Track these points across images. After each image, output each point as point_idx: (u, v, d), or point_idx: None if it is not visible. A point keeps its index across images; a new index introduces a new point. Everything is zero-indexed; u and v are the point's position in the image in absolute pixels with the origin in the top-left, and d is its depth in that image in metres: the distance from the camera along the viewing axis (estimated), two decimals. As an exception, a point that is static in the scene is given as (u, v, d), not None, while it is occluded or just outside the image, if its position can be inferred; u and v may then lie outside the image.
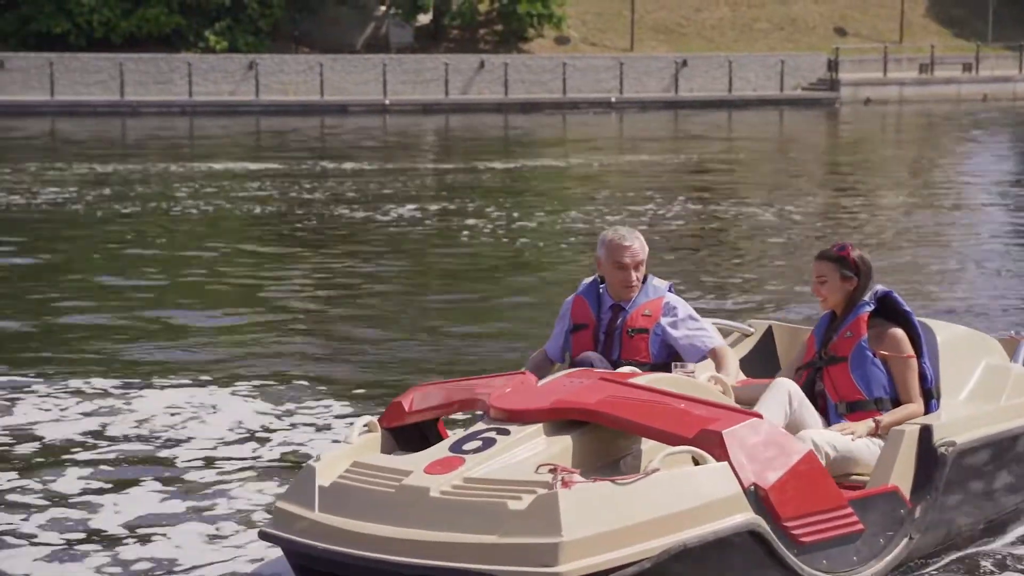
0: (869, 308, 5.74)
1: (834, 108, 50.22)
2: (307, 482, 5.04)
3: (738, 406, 5.32)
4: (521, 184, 24.73)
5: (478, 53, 53.74)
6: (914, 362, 5.73)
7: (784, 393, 5.59)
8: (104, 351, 10.37)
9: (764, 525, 4.84)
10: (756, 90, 53.08)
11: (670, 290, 6.16)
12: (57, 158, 29.41)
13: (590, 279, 6.25)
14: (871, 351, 5.71)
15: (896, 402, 5.74)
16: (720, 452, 4.85)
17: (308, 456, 7.16)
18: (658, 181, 24.45)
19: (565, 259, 15.66)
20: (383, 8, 56.31)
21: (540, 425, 5.05)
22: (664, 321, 6.02)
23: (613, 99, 50.60)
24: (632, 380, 5.33)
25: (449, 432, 5.61)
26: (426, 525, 4.63)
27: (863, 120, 44.61)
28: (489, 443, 4.96)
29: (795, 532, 4.94)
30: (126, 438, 7.88)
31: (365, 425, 5.50)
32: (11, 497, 6.81)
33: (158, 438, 7.87)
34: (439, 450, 5.01)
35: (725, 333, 6.90)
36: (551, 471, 4.66)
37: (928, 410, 5.78)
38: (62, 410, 8.54)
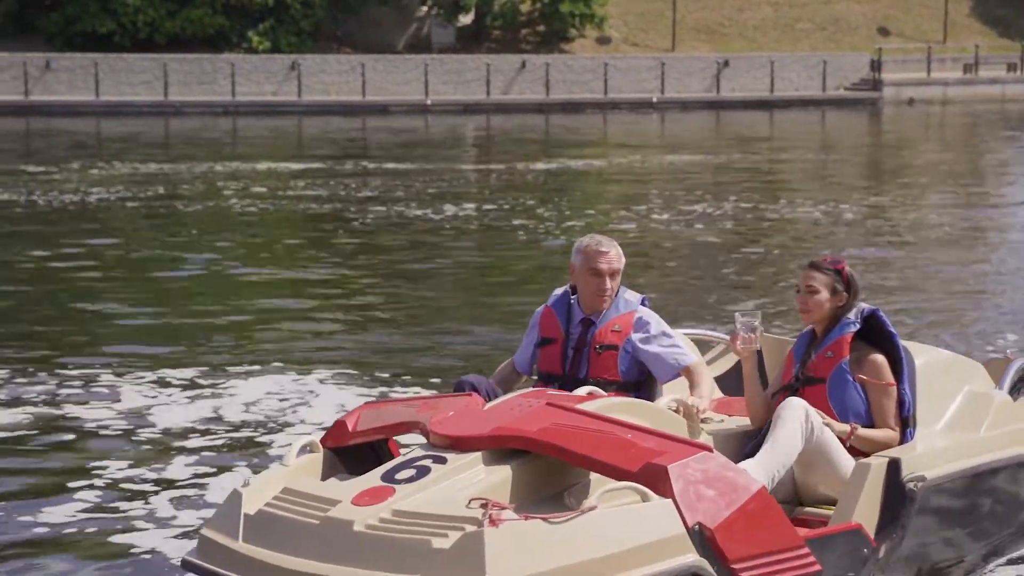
0: (854, 328, 5.39)
1: (877, 108, 49.96)
2: (232, 509, 4.77)
3: (689, 438, 4.96)
4: (564, 184, 24.77)
5: (519, 53, 53.79)
6: (894, 390, 5.39)
7: (801, 411, 5.21)
8: (187, 342, 10.70)
9: (708, 568, 4.48)
10: (798, 90, 52.88)
11: (643, 303, 5.81)
12: (102, 158, 29.69)
13: (561, 290, 5.90)
14: (851, 375, 5.37)
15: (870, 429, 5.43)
16: (664, 488, 4.51)
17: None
18: (700, 181, 24.43)
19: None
20: (425, 8, 56.45)
21: (479, 454, 4.73)
22: (635, 337, 5.68)
23: (654, 99, 50.54)
24: (582, 406, 4.97)
25: (401, 451, 5.30)
26: (348, 561, 4.36)
27: (906, 120, 44.36)
28: (423, 472, 4.66)
29: (743, 575, 4.57)
30: (233, 425, 8.19)
31: (306, 446, 5.18)
32: (128, 486, 7.06)
33: (264, 424, 8.16)
34: (371, 478, 4.70)
35: (710, 344, 6.64)
36: (482, 506, 4.38)
37: (903, 439, 5.42)
38: (168, 396, 8.92)
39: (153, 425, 8.28)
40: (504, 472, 4.69)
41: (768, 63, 52.96)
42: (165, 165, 27.64)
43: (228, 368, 9.74)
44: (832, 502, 5.31)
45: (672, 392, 5.61)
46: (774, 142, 35.71)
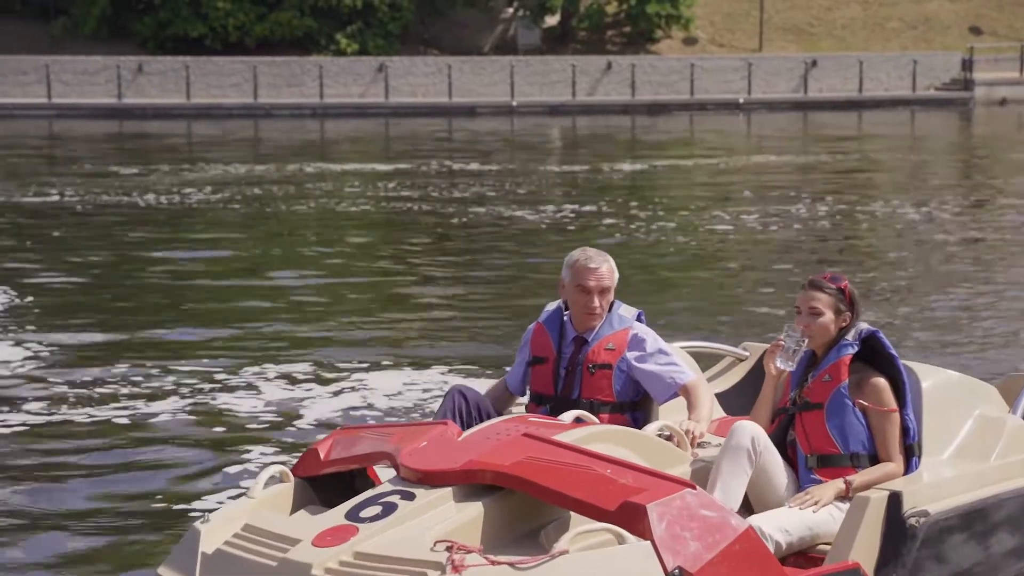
0: (853, 350, 5.04)
1: (968, 109, 49.22)
2: (190, 547, 4.56)
3: (672, 472, 4.63)
4: (650, 185, 24.71)
5: (605, 55, 53.72)
6: (896, 416, 5.01)
7: (747, 438, 4.89)
8: (295, 339, 10.95)
9: None
10: (887, 90, 52.26)
11: (639, 319, 5.52)
12: (192, 159, 30.12)
13: (553, 305, 5.59)
14: (851, 400, 5.02)
15: (874, 459, 5.05)
16: (642, 528, 4.21)
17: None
18: (788, 182, 24.25)
19: (716, 257, 15.64)
20: (511, 10, 56.58)
21: (449, 489, 4.46)
22: (630, 355, 5.37)
23: (741, 100, 50.22)
24: (561, 437, 4.67)
25: (381, 478, 5.01)
26: None
27: (998, 121, 43.66)
28: (389, 509, 4.40)
29: None
30: (384, 412, 8.43)
31: (275, 475, 4.93)
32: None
33: (408, 414, 8.37)
34: (335, 515, 4.46)
35: (717, 357, 6.33)
36: (447, 549, 4.16)
37: (908, 469, 5.05)
38: (307, 391, 9.16)
39: (302, 417, 8.52)
40: (475, 509, 4.42)
41: (857, 63, 52.39)
42: (255, 166, 27.98)
43: (341, 363, 9.95)
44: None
45: (670, 413, 5.30)
46: (863, 142, 35.33)
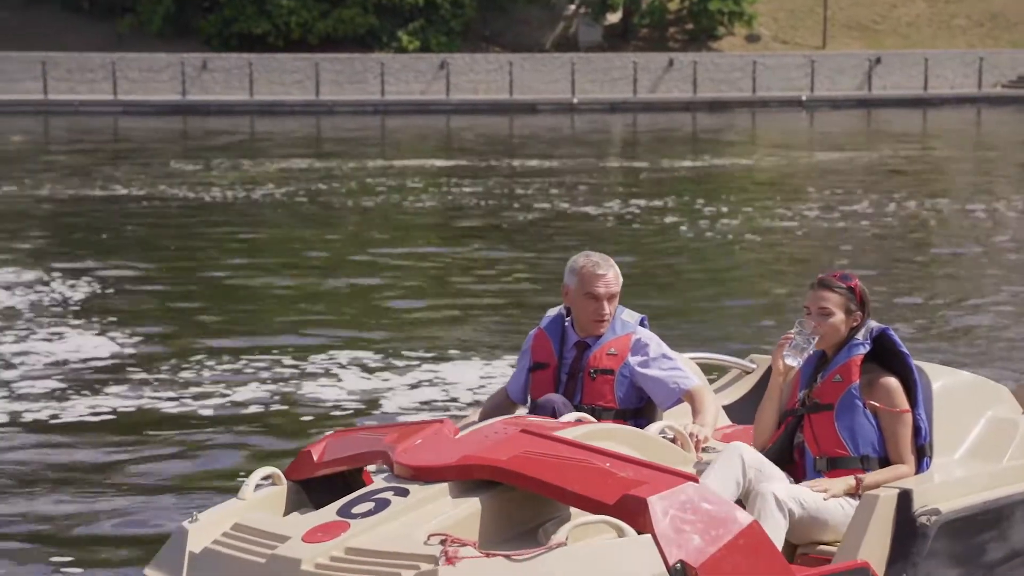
0: (864, 350, 4.92)
1: (1036, 106, 48.61)
2: (177, 547, 4.46)
3: (675, 468, 4.46)
4: (712, 182, 24.61)
5: (667, 52, 53.55)
6: (908, 417, 4.90)
7: (736, 459, 4.75)
8: (364, 331, 11.11)
9: None
10: (953, 88, 51.68)
11: (642, 324, 5.41)
12: (255, 156, 30.35)
13: (555, 311, 5.48)
14: (861, 400, 4.89)
15: (885, 461, 4.93)
16: (643, 522, 4.08)
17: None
18: (852, 179, 24.06)
19: (776, 256, 15.56)
20: (573, 7, 56.54)
21: (444, 485, 4.34)
22: (633, 360, 5.27)
23: (804, 97, 49.86)
24: (560, 433, 4.57)
25: (374, 479, 4.81)
26: None
27: (1067, 119, 43.09)
28: (382, 505, 4.29)
29: None
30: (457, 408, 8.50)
31: (267, 477, 4.79)
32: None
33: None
34: (327, 512, 4.36)
35: (723, 370, 6.21)
36: (441, 542, 4.04)
37: (919, 470, 4.94)
38: (384, 381, 9.32)
39: (381, 407, 8.66)
40: (472, 505, 4.29)
41: (922, 60, 51.87)
42: (316, 162, 28.15)
43: (413, 355, 10.07)
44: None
45: (675, 419, 5.17)
46: (928, 141, 34.98)
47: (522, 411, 5.40)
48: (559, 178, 24.47)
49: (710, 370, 6.05)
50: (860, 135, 37.28)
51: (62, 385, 9.30)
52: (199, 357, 10.10)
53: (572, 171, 25.91)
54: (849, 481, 4.81)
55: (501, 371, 9.55)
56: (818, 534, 4.77)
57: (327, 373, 9.56)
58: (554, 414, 5.02)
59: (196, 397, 8.98)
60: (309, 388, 9.12)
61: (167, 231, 17.81)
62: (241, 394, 9.00)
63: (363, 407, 8.71)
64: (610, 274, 5.28)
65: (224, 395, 9.03)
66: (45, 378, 9.51)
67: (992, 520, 4.97)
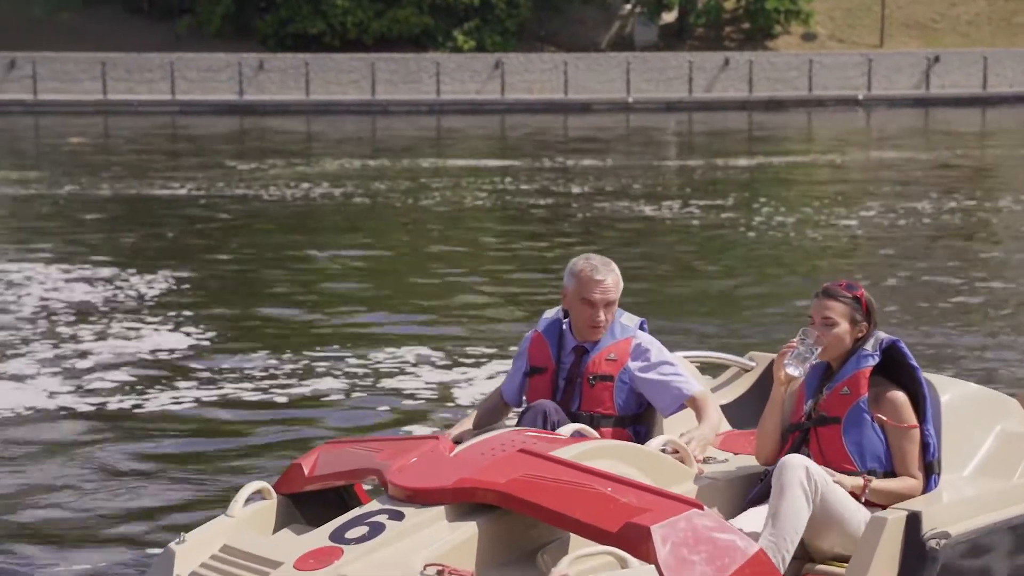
0: (873, 362, 4.73)
1: (1097, 105, 48.00)
2: (163, 570, 4.32)
3: (677, 491, 4.33)
4: (768, 180, 24.50)
5: (723, 51, 53.35)
6: (916, 433, 4.74)
7: (802, 471, 4.54)
8: (438, 327, 11.22)
9: None
10: (1012, 87, 51.13)
11: (642, 328, 5.24)
12: (311, 155, 30.54)
13: (553, 312, 5.31)
14: (869, 414, 4.73)
15: (891, 476, 4.78)
16: (646, 552, 3.94)
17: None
18: (910, 178, 23.88)
19: (832, 254, 15.48)
20: (628, 7, 56.45)
21: (441, 508, 4.21)
22: (633, 366, 5.11)
23: (860, 96, 49.52)
24: (559, 452, 4.40)
25: (370, 498, 4.70)
26: None
27: None
28: (377, 530, 4.14)
29: None
30: None
31: (258, 491, 4.62)
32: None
33: None
34: (319, 536, 4.20)
35: (722, 367, 6.03)
36: (438, 572, 3.95)
37: (927, 487, 4.76)
38: (462, 373, 9.45)
39: (456, 400, 8.76)
40: (469, 529, 4.16)
41: (981, 59, 51.35)
42: (371, 161, 28.28)
43: (481, 349, 10.17)
44: (847, 559, 4.64)
45: (675, 427, 5.04)
46: (987, 140, 34.63)
47: (515, 412, 5.31)
48: (614, 177, 24.45)
49: (708, 368, 5.93)
50: (918, 134, 36.97)
51: (133, 378, 9.43)
52: (267, 352, 10.20)
53: (627, 170, 25.87)
54: (857, 480, 4.67)
55: None
56: (830, 530, 4.62)
57: (399, 368, 9.62)
58: (545, 419, 4.90)
59: (270, 389, 9.08)
60: (384, 383, 9.18)
61: (228, 229, 17.97)
62: (314, 388, 9.09)
63: (436, 398, 8.81)
64: (609, 280, 5.09)
65: (299, 387, 9.12)
66: (117, 370, 9.65)
67: (1003, 541, 4.78)
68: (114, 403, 8.80)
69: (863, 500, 4.66)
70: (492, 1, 53.50)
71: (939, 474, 4.79)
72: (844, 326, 4.76)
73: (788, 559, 4.45)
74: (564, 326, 5.21)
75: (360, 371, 9.58)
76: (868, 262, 14.82)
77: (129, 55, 49.10)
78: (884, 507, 4.63)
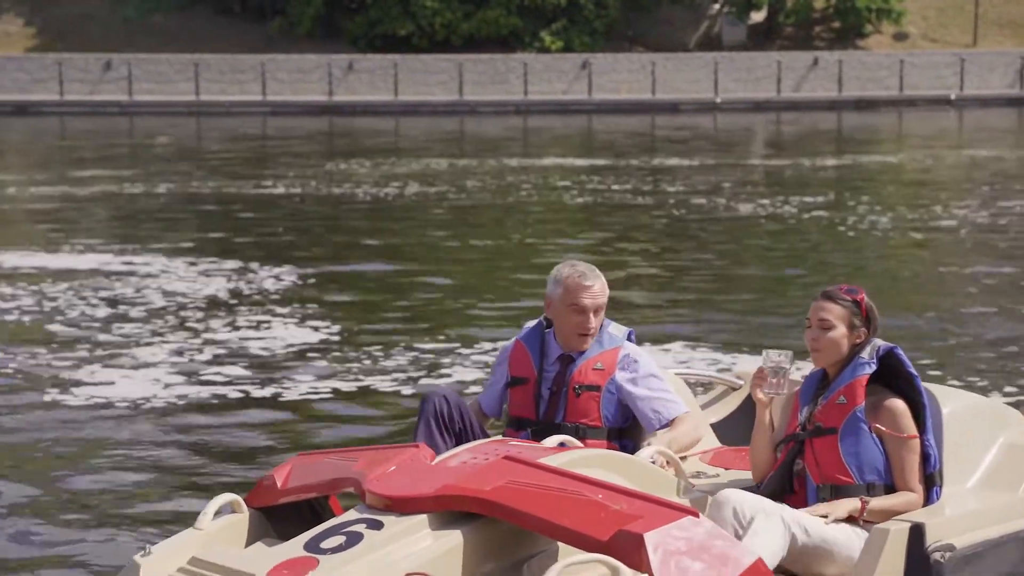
0: (870, 370, 4.55)
1: None
2: None
3: (673, 500, 4.17)
4: (858, 180, 24.32)
5: (812, 50, 52.93)
6: (916, 443, 4.56)
7: (778, 522, 4.35)
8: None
9: None
10: (1110, 86, 50.21)
11: (630, 338, 5.06)
12: (400, 155, 30.82)
13: (535, 322, 5.12)
14: (867, 424, 4.55)
15: (891, 489, 4.60)
16: (639, 560, 3.77)
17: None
18: (1006, 178, 23.57)
19: (922, 255, 15.39)
20: (717, 6, 56.22)
21: (423, 517, 4.02)
22: (620, 377, 4.93)
23: (952, 96, 48.88)
24: (546, 460, 4.23)
25: (346, 508, 4.47)
26: None
27: None
28: (354, 540, 3.95)
29: None
30: None
31: (229, 503, 4.44)
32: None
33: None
34: (293, 547, 4.00)
35: (709, 386, 5.86)
36: None
37: (928, 500, 4.59)
38: None
39: None
40: (453, 539, 3.98)
41: (1078, 58, 50.47)
42: (459, 161, 28.48)
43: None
44: None
45: (660, 442, 4.87)
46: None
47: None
48: (703, 176, 24.40)
49: (695, 386, 5.80)
50: (1011, 133, 36.43)
51: (250, 371, 9.61)
52: (378, 347, 10.33)
53: (715, 169, 25.81)
54: (854, 504, 4.49)
55: (686, 356, 9.72)
56: (823, 566, 4.44)
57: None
58: (438, 411, 4.80)
59: (386, 382, 9.21)
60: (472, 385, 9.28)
61: (328, 227, 18.23)
62: (427, 385, 9.21)
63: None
64: (597, 285, 4.92)
65: (412, 381, 9.25)
66: (232, 364, 9.85)
67: (1009, 554, 4.62)
68: (236, 393, 8.98)
69: (861, 522, 4.48)
70: (580, 2, 53.54)
71: (941, 486, 4.63)
72: (841, 330, 4.58)
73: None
74: (547, 334, 5.01)
75: (470, 363, 9.71)
76: (971, 259, 14.70)
77: (221, 56, 49.82)
78: None
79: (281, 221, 18.66)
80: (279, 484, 4.45)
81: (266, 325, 11.27)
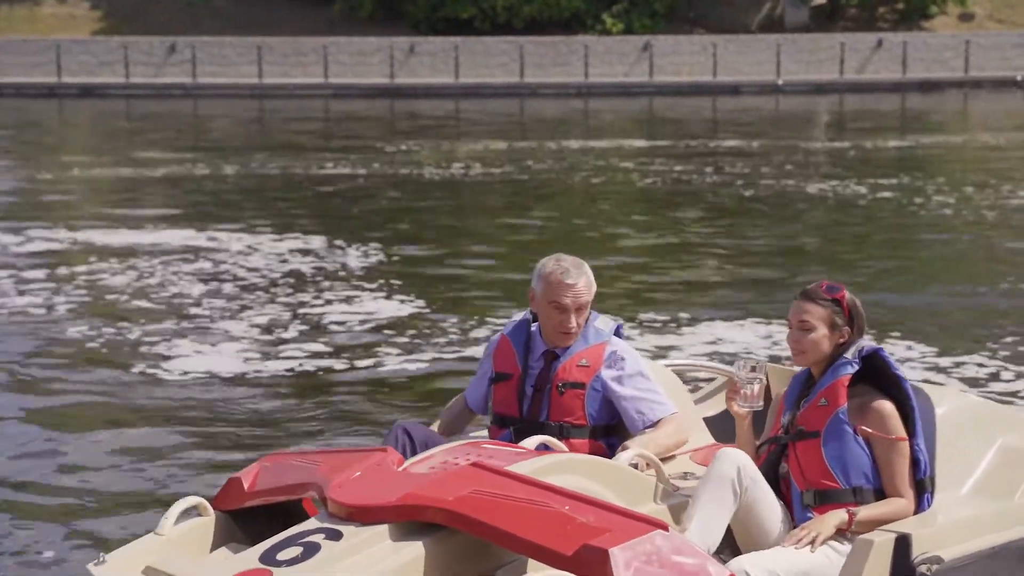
0: (852, 369, 4.37)
1: None
2: None
3: (642, 512, 3.94)
4: (922, 162, 24.15)
5: (876, 32, 52.47)
6: (904, 446, 4.35)
7: (731, 467, 4.23)
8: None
9: None
10: None
11: (617, 333, 4.87)
12: (460, 137, 30.93)
13: (521, 315, 4.95)
14: (851, 426, 4.35)
15: (880, 494, 4.38)
16: None
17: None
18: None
19: (987, 239, 15.32)
20: (779, -12, 55.85)
21: (384, 527, 3.84)
22: (606, 374, 4.75)
23: (1019, 77, 48.29)
24: (516, 467, 4.04)
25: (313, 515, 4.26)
26: None
27: None
28: (311, 551, 3.79)
29: None
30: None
31: (195, 507, 4.27)
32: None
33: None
34: (248, 558, 3.85)
35: (708, 378, 5.66)
36: None
37: (919, 507, 4.37)
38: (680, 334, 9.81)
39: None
40: (413, 551, 3.80)
41: None
42: (519, 143, 28.54)
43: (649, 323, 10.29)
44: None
45: (639, 444, 4.67)
46: None
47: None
48: (765, 157, 24.33)
49: (690, 379, 5.57)
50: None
51: (334, 347, 9.76)
52: (462, 322, 10.49)
53: (778, 151, 25.72)
54: (840, 516, 4.28)
55: (763, 332, 9.80)
56: (751, 535, 4.31)
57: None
58: (407, 441, 4.56)
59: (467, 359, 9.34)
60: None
61: (394, 208, 18.39)
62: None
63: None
64: (580, 283, 4.71)
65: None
66: (316, 339, 10.02)
67: (1001, 567, 4.38)
68: (321, 367, 9.12)
69: (849, 533, 4.27)
70: (641, -17, 53.38)
71: (932, 493, 4.42)
72: (822, 331, 4.40)
73: (712, 551, 4.17)
74: (533, 329, 4.86)
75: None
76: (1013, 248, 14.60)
77: (284, 39, 50.14)
78: None
79: (354, 202, 18.85)
80: (246, 486, 4.29)
81: (355, 299, 11.49)
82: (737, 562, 4.15)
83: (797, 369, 4.84)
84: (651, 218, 17.41)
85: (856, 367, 4.37)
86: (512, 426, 4.75)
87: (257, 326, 10.46)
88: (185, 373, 9.00)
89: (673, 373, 5.17)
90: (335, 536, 3.83)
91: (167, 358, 9.42)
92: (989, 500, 4.52)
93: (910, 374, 8.12)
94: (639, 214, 17.89)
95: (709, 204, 18.30)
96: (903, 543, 4.17)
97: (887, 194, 18.80)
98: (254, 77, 48.57)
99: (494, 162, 24.18)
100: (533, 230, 16.29)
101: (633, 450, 4.43)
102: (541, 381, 4.75)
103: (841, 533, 4.26)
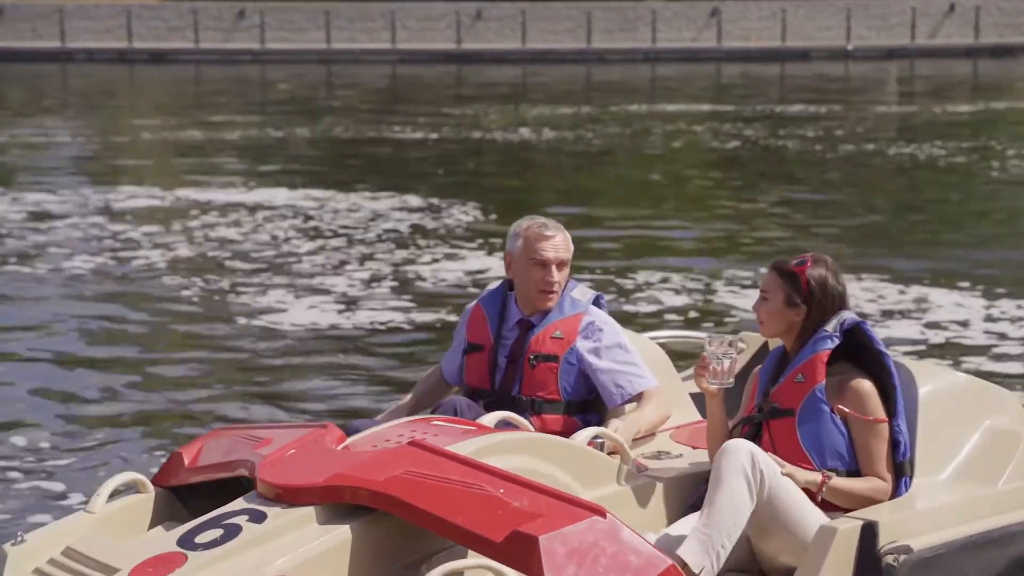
0: (831, 344, 4.10)
1: None
2: None
3: (580, 498, 3.64)
4: (993, 125, 23.90)
5: (948, -4, 51.81)
6: (884, 428, 4.09)
7: (746, 457, 3.94)
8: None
9: None
10: None
11: (597, 303, 4.61)
12: (526, 102, 30.96)
13: (496, 285, 4.70)
14: (828, 405, 4.10)
15: (856, 475, 4.14)
16: (532, 566, 3.33)
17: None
18: None
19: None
20: (849, -48, 55.21)
21: (311, 509, 3.63)
22: (582, 346, 4.49)
23: (1095, 43, 47.51)
24: (457, 446, 3.81)
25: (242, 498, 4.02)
26: None
27: None
28: (231, 534, 3.57)
29: None
30: None
31: (131, 483, 4.07)
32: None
33: None
34: (166, 540, 3.64)
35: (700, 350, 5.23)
36: None
37: (897, 492, 4.10)
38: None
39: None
40: (340, 535, 3.58)
41: None
42: (583, 108, 28.53)
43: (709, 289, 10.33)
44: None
45: (621, 422, 4.39)
46: None
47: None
48: (836, 122, 24.17)
49: (680, 353, 5.34)
50: None
51: (426, 300, 10.02)
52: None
53: (847, 116, 25.54)
54: (814, 476, 4.04)
55: None
56: (776, 533, 4.01)
57: (649, 296, 9.99)
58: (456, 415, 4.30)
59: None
60: (634, 306, 9.47)
61: (471, 170, 18.52)
62: (656, 307, 9.54)
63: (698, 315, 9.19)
64: (559, 237, 4.49)
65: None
66: (411, 293, 10.26)
67: (976, 558, 4.10)
68: (412, 322, 9.30)
69: (819, 500, 4.05)
70: (709, -52, 53.00)
71: (911, 477, 4.15)
72: (777, 303, 4.15)
73: (724, 556, 3.86)
74: (509, 296, 4.60)
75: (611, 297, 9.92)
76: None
77: (352, 4, 50.31)
78: (846, 511, 4.04)
79: (434, 163, 19.00)
80: (186, 462, 4.09)
81: (453, 257, 11.67)
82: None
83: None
84: (727, 180, 17.37)
85: (836, 341, 4.11)
86: (483, 399, 4.49)
87: (355, 280, 10.68)
88: (274, 323, 9.28)
89: (658, 346, 4.89)
90: (259, 518, 3.62)
91: (265, 311, 9.66)
92: (971, 486, 4.23)
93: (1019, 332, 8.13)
94: (722, 181, 17.86)
95: (778, 169, 18.24)
96: (869, 531, 3.91)
97: (958, 159, 18.64)
98: (322, 43, 48.81)
99: (562, 127, 24.22)
100: (621, 189, 16.33)
101: (592, 429, 4.16)
102: (515, 352, 4.49)
103: (812, 497, 4.03)
